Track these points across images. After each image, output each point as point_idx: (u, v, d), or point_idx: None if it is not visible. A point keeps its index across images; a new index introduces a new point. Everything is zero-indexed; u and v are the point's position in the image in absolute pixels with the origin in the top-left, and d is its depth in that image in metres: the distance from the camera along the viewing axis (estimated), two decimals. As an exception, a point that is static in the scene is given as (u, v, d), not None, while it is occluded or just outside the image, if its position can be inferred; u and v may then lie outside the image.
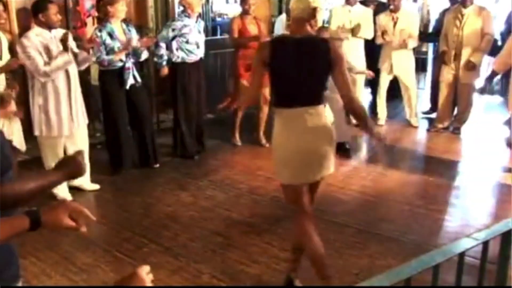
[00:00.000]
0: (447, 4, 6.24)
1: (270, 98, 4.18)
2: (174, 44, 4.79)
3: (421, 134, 5.99)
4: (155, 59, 4.92)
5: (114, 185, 4.46)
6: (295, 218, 2.70)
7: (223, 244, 3.37)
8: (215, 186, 4.41)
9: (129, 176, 4.61)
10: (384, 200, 4.11)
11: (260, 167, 4.72)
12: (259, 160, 4.91)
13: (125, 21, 4.51)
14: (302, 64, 2.46)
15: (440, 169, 4.76)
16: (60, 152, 4.02)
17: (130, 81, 4.40)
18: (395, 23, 5.81)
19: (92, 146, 4.43)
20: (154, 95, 5.92)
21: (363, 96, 6.23)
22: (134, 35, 4.49)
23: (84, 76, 4.65)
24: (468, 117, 5.80)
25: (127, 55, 4.35)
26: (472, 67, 5.46)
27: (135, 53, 4.42)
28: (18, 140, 3.79)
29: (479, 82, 5.68)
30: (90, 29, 5.20)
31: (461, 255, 1.57)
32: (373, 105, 6.50)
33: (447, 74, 5.67)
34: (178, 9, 6.10)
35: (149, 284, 1.15)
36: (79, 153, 1.64)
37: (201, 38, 4.91)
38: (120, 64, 4.34)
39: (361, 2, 6.14)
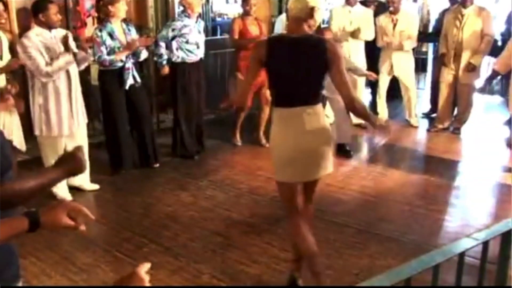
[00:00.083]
0: (447, 4, 6.24)
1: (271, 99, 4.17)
2: (174, 44, 4.79)
3: (421, 134, 5.99)
4: (155, 58, 4.92)
5: (114, 185, 4.46)
6: (288, 217, 2.72)
7: (223, 244, 3.37)
8: (215, 186, 4.41)
9: (129, 176, 4.61)
10: (384, 200, 4.11)
11: (260, 167, 4.72)
12: (259, 160, 4.91)
13: (125, 20, 4.50)
14: (299, 64, 2.46)
15: (440, 169, 4.76)
16: (60, 151, 4.01)
17: (130, 82, 4.40)
18: (394, 25, 5.80)
19: (92, 146, 4.42)
20: (154, 94, 5.93)
21: (364, 96, 6.22)
22: (134, 35, 4.49)
23: (84, 76, 4.64)
24: (468, 118, 5.80)
25: (127, 56, 4.36)
26: (472, 69, 5.47)
27: (135, 53, 4.42)
28: (18, 140, 3.78)
29: (479, 83, 5.68)
30: (90, 29, 5.20)
31: (461, 255, 1.57)
32: (373, 105, 6.49)
33: (447, 75, 5.68)
34: (178, 9, 6.11)
35: (148, 284, 1.14)
36: (79, 148, 1.63)
37: (201, 38, 4.91)
38: (120, 64, 4.34)
39: (362, 3, 6.13)
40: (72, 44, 3.89)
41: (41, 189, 1.55)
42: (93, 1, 5.46)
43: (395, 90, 6.18)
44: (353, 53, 5.61)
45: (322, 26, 5.78)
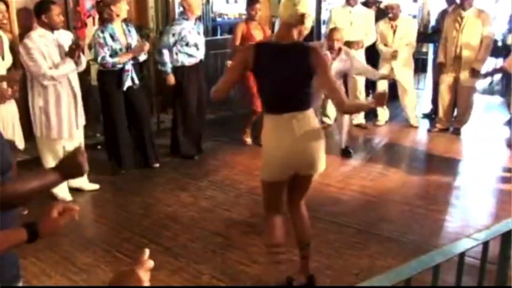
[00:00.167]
0: (445, 5, 6.24)
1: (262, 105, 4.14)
2: (174, 49, 4.78)
3: (421, 134, 5.98)
4: (159, 67, 4.85)
5: (114, 185, 4.46)
6: (266, 217, 2.77)
7: (223, 245, 3.37)
8: (215, 186, 4.41)
9: (129, 176, 4.61)
10: (384, 200, 4.11)
11: (260, 168, 4.71)
12: (259, 161, 4.82)
13: (125, 21, 4.50)
14: (284, 71, 2.48)
15: (440, 169, 4.76)
16: (59, 153, 4.02)
17: (128, 83, 4.40)
18: (394, 31, 5.79)
19: (92, 147, 4.43)
20: (154, 95, 5.93)
21: (363, 98, 6.20)
22: (134, 35, 4.49)
23: (83, 76, 4.65)
24: (468, 119, 5.80)
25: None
26: (476, 74, 5.48)
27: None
28: (17, 138, 3.78)
29: (480, 84, 5.69)
30: (90, 29, 5.20)
31: (461, 255, 1.57)
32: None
33: (447, 76, 5.68)
34: (178, 9, 6.10)
35: (147, 284, 1.12)
36: (79, 150, 1.63)
37: (201, 40, 4.88)
38: (120, 65, 4.34)
39: (363, 4, 6.11)
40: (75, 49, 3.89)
41: (41, 191, 1.56)
42: (93, 1, 5.46)
43: (395, 90, 6.17)
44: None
45: (332, 26, 5.77)
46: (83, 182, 4.19)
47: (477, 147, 5.40)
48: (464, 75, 5.51)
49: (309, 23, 2.52)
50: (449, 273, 1.65)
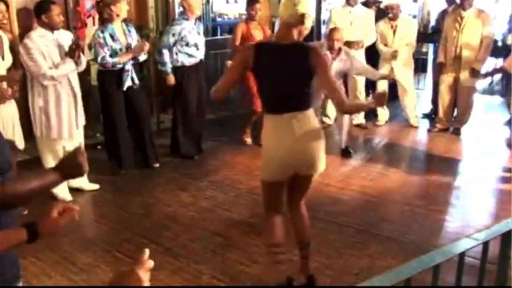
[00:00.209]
0: (445, 4, 6.24)
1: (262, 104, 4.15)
2: (174, 49, 4.77)
3: (421, 134, 5.99)
4: (159, 67, 4.85)
5: (114, 185, 4.47)
6: (266, 217, 2.77)
7: (223, 245, 3.37)
8: (215, 186, 4.41)
9: (129, 176, 4.61)
10: (384, 200, 4.11)
11: (260, 168, 4.71)
12: (259, 160, 4.82)
13: (125, 21, 4.50)
14: (284, 71, 2.48)
15: (440, 169, 4.77)
16: (59, 153, 4.02)
17: (128, 83, 4.40)
18: (394, 31, 5.79)
19: (92, 147, 4.43)
20: (154, 95, 5.93)
21: (363, 98, 6.20)
22: (134, 35, 4.49)
23: (83, 76, 4.65)
24: (468, 119, 5.80)
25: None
26: (476, 74, 5.49)
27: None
28: (17, 137, 3.78)
29: (479, 84, 5.69)
30: (90, 29, 5.21)
31: (461, 255, 1.57)
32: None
33: (447, 76, 5.68)
34: (178, 9, 6.10)
35: (147, 284, 1.12)
36: (79, 150, 1.62)
37: (201, 40, 4.88)
38: (120, 65, 4.34)
39: (363, 4, 6.11)
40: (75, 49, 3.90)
41: (41, 191, 1.57)
42: (93, 1, 5.46)
43: (395, 90, 6.17)
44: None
45: (331, 26, 5.76)
46: (83, 182, 4.19)
47: (477, 147, 5.41)
48: (464, 75, 5.51)
49: (309, 23, 2.52)
50: (449, 273, 1.65)
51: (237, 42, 5.13)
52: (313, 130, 2.58)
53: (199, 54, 4.90)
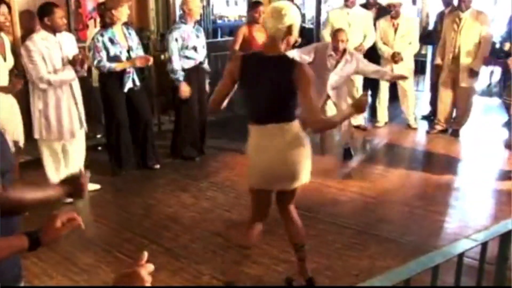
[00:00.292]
0: (442, 7, 6.26)
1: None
2: None
3: (420, 136, 6.00)
4: (171, 75, 4.75)
5: (115, 186, 4.48)
6: (249, 221, 2.80)
7: (223, 245, 3.38)
8: (216, 187, 4.43)
9: (130, 177, 4.62)
10: (384, 201, 4.13)
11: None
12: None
13: (125, 24, 4.52)
14: (268, 84, 2.47)
15: (439, 170, 4.78)
16: (60, 155, 4.04)
17: (129, 85, 4.42)
18: (395, 29, 5.79)
19: (92, 148, 4.45)
20: (155, 96, 5.94)
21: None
22: (134, 38, 4.51)
23: (85, 78, 4.66)
24: (467, 120, 5.82)
25: (128, 59, 4.38)
26: (474, 75, 5.51)
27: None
28: (20, 136, 3.80)
29: (478, 85, 5.71)
30: (92, 31, 5.22)
31: (460, 256, 1.59)
32: (373, 109, 6.51)
33: (446, 78, 5.70)
34: (179, 11, 6.12)
35: (149, 285, 1.14)
36: (82, 174, 1.67)
37: (200, 43, 4.85)
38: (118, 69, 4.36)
39: (363, 6, 6.12)
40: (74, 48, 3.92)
41: (41, 202, 1.60)
42: (95, 3, 5.48)
43: (395, 91, 6.19)
44: None
45: (328, 28, 5.75)
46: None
47: (476, 149, 5.42)
48: (463, 76, 5.53)
49: (296, 32, 2.50)
50: (448, 273, 1.66)
51: (237, 46, 5.13)
52: (296, 143, 2.55)
53: (198, 57, 4.89)
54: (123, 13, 4.30)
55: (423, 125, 6.23)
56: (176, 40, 4.68)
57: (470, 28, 5.42)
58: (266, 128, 2.54)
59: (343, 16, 5.75)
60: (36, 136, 3.94)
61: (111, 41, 4.31)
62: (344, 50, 4.74)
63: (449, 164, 5.01)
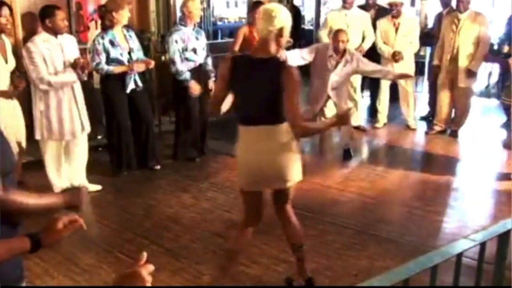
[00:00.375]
0: (441, 8, 6.28)
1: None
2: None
3: (419, 136, 6.03)
4: (178, 78, 4.74)
5: (115, 187, 4.49)
6: (241, 223, 2.81)
7: (224, 245, 3.39)
8: (216, 188, 4.45)
9: (131, 177, 4.64)
10: (383, 201, 4.15)
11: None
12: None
13: (125, 26, 4.53)
14: (255, 85, 2.48)
15: (438, 171, 4.81)
16: (61, 155, 4.06)
17: (131, 86, 4.44)
18: (397, 29, 5.81)
19: (93, 149, 4.46)
20: (155, 97, 5.96)
21: (360, 98, 6.23)
22: (134, 39, 4.54)
23: (86, 79, 4.67)
24: (465, 121, 5.85)
25: (129, 60, 4.40)
26: (472, 75, 5.53)
27: (138, 59, 4.48)
28: (22, 138, 3.81)
29: (476, 86, 5.73)
30: (93, 32, 5.23)
31: (459, 256, 1.61)
32: (372, 109, 6.53)
33: (444, 78, 5.73)
34: (179, 13, 6.13)
35: (150, 285, 1.15)
36: (83, 190, 1.73)
37: (199, 45, 4.85)
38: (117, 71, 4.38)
39: (362, 7, 6.14)
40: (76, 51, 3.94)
41: (41, 209, 1.62)
42: (96, 5, 5.49)
43: (395, 92, 6.20)
44: None
45: (326, 30, 5.76)
46: (85, 182, 4.24)
47: (474, 149, 5.45)
48: (461, 76, 5.55)
49: (287, 34, 2.51)
50: (447, 273, 1.67)
51: (237, 47, 5.14)
52: (283, 145, 2.55)
53: (198, 59, 4.88)
54: (123, 16, 4.32)
55: (422, 126, 6.26)
56: (176, 42, 4.69)
57: (469, 29, 5.45)
58: (255, 130, 2.55)
59: (341, 17, 5.77)
60: (38, 137, 3.96)
61: (112, 43, 4.33)
62: (344, 51, 4.76)
63: (448, 164, 5.03)
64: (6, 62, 3.69)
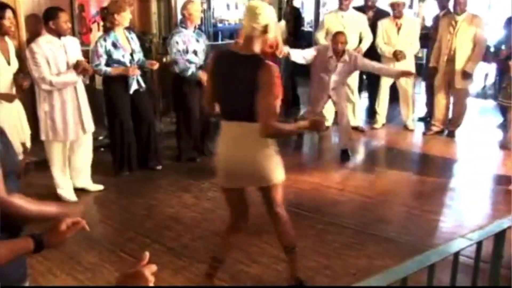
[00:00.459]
0: (438, 10, 6.32)
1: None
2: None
3: (417, 137, 6.06)
4: (184, 74, 4.75)
5: (117, 187, 4.52)
6: (228, 221, 2.83)
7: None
8: (217, 188, 4.40)
9: (132, 177, 4.66)
10: (381, 201, 4.18)
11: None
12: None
13: (127, 28, 4.56)
14: (235, 81, 2.47)
15: (435, 171, 4.85)
16: (66, 156, 4.08)
17: (134, 87, 4.48)
18: (398, 29, 5.84)
19: (95, 149, 4.49)
20: (156, 98, 5.98)
21: (357, 98, 6.24)
22: (136, 41, 4.57)
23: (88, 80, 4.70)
24: (462, 121, 5.89)
25: (131, 62, 4.43)
26: (468, 77, 5.58)
27: (139, 60, 4.52)
28: (26, 138, 3.84)
29: (473, 87, 5.77)
30: (95, 34, 5.26)
31: (456, 255, 1.63)
32: (370, 110, 6.57)
33: (441, 80, 5.77)
34: (180, 15, 6.15)
35: (152, 284, 1.17)
36: (82, 207, 1.78)
37: (200, 47, 4.87)
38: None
39: (359, 9, 6.17)
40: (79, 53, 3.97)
41: (44, 216, 1.65)
42: (98, 7, 5.51)
43: (395, 93, 6.24)
44: None
45: (323, 32, 5.80)
46: (87, 182, 4.29)
47: (471, 150, 5.49)
48: (458, 78, 5.60)
49: (272, 32, 2.50)
50: (444, 272, 1.70)
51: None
52: (260, 143, 2.51)
53: (198, 61, 4.92)
54: (125, 17, 4.35)
55: (420, 127, 6.29)
56: (177, 43, 4.72)
57: (466, 31, 5.49)
58: (234, 125, 2.54)
59: (338, 19, 5.82)
60: (43, 137, 3.99)
61: (114, 45, 4.36)
62: (343, 52, 4.82)
63: (445, 165, 5.08)
64: (9, 64, 3.71)
